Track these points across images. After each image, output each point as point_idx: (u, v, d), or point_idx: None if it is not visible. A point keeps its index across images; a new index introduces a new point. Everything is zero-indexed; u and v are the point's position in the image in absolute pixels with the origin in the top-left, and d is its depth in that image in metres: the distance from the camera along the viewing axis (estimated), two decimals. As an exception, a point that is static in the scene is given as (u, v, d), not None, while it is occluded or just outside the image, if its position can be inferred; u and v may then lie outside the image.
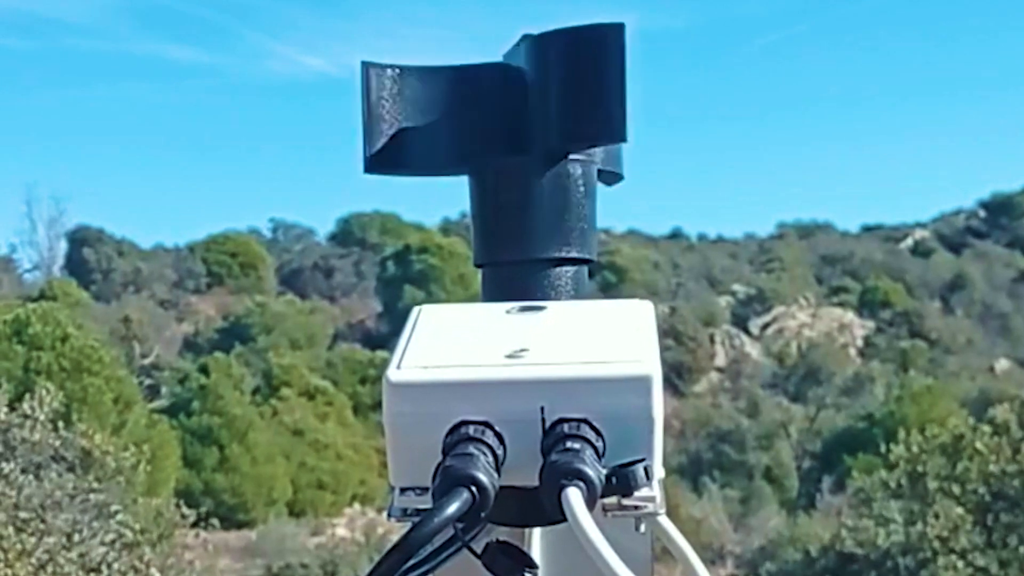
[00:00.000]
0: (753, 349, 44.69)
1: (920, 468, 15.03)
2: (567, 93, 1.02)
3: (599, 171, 1.07)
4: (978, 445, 14.64)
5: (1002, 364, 42.53)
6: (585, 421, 0.82)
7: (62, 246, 46.51)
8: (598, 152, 1.06)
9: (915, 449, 15.24)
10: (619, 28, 1.01)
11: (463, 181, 1.07)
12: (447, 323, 0.93)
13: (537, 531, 0.94)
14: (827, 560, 16.18)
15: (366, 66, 1.04)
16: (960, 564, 14.40)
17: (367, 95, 1.04)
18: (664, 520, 0.92)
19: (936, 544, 14.41)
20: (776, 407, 36.27)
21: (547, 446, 0.81)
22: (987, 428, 15.09)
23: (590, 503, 0.78)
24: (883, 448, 16.87)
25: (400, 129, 1.05)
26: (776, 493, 31.61)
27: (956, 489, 14.67)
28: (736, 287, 49.50)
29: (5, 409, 11.57)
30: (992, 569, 14.42)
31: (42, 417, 11.61)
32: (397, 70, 1.05)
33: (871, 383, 36.65)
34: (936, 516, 14.48)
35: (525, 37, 1.05)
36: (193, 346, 40.49)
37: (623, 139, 1.02)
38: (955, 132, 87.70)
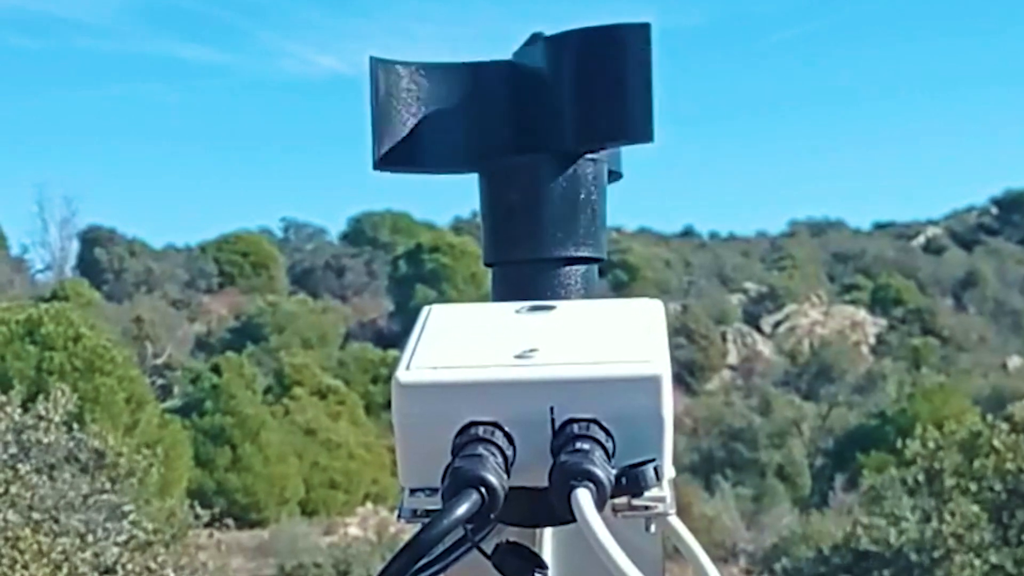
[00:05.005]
0: (765, 347, 44.62)
1: (937, 465, 14.97)
2: (592, 94, 1.02)
3: None
4: (995, 443, 14.58)
5: (1015, 361, 42.37)
6: (595, 421, 0.81)
7: (74, 246, 46.59)
8: (605, 151, 1.05)
9: (932, 445, 15.18)
10: (645, 28, 1.01)
11: (474, 179, 1.07)
12: (456, 323, 0.92)
13: (547, 531, 0.94)
14: (840, 558, 16.13)
15: (375, 62, 1.04)
16: (975, 562, 14.35)
17: (375, 91, 1.03)
18: (674, 520, 0.92)
19: (951, 542, 14.36)
20: (788, 405, 36.17)
21: (557, 447, 0.81)
22: (1005, 426, 15.04)
23: (600, 504, 0.78)
24: (896, 445, 16.82)
25: (409, 126, 1.04)
26: (788, 491, 31.54)
27: (973, 487, 14.62)
28: (748, 285, 49.42)
29: (19, 410, 11.57)
30: (1007, 567, 14.36)
31: (56, 419, 11.61)
32: (406, 67, 1.05)
33: (883, 380, 36.57)
34: (952, 514, 14.43)
35: (539, 36, 1.04)
36: (205, 346, 40.53)
37: (650, 139, 1.02)
38: (967, 129, 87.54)
